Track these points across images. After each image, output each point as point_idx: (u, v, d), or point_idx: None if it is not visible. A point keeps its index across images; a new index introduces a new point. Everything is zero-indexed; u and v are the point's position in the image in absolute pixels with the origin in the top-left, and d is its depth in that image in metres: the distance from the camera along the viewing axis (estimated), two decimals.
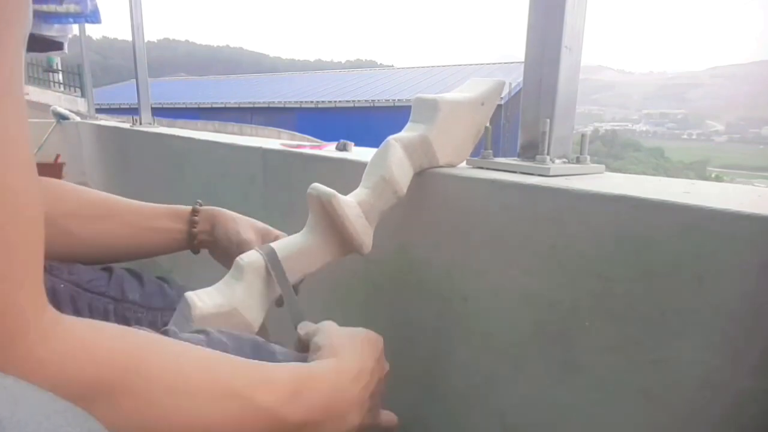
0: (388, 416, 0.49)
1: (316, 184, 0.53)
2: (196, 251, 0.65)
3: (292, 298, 0.51)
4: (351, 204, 0.53)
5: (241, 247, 0.60)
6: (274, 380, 0.36)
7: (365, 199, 0.55)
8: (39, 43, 1.95)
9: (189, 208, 0.64)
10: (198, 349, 0.34)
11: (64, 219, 0.56)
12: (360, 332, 0.47)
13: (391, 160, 0.56)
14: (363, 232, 0.54)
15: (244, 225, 0.63)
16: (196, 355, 0.34)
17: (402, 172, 0.57)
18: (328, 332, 0.46)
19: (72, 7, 1.79)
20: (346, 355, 0.43)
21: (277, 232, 0.66)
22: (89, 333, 0.28)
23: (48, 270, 0.51)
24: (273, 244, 0.53)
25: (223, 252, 0.63)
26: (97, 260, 0.59)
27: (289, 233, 0.57)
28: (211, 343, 0.40)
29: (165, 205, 0.65)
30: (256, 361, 0.38)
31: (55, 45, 2.01)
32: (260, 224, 0.66)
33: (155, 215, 0.63)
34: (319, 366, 0.41)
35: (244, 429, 0.33)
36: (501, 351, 0.55)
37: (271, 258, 0.51)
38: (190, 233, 0.63)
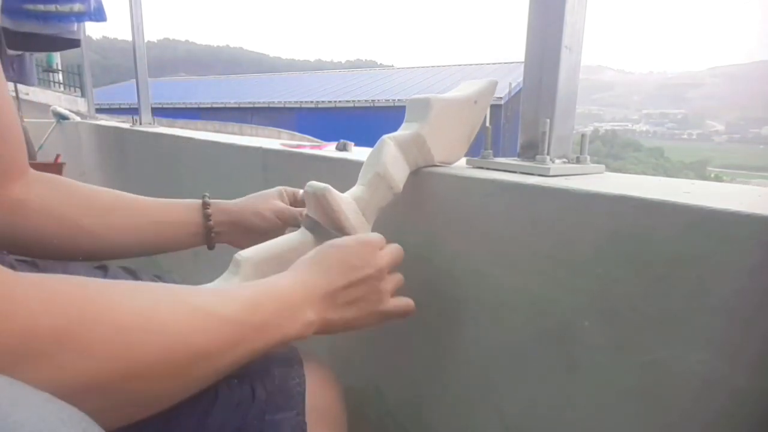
0: (400, 302, 0.51)
1: (312, 182, 0.53)
2: (212, 246, 0.65)
3: None
4: (346, 199, 0.53)
5: (268, 234, 0.62)
6: (234, 296, 0.38)
7: (361, 195, 0.55)
8: (55, 42, 1.95)
9: (198, 202, 0.64)
10: (149, 284, 0.37)
11: (74, 213, 0.55)
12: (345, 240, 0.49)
13: (385, 156, 0.56)
14: (359, 227, 0.54)
15: (265, 210, 0.65)
16: (151, 287, 0.35)
17: (397, 168, 0.57)
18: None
19: (77, 7, 1.79)
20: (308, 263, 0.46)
21: (292, 209, 0.67)
22: (47, 285, 0.27)
23: (42, 268, 0.51)
24: (272, 241, 0.53)
25: (243, 240, 0.65)
26: (109, 255, 0.58)
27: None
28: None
29: (174, 200, 0.64)
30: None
31: (72, 43, 2.02)
32: (276, 206, 0.66)
33: (168, 209, 0.63)
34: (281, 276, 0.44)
35: (213, 340, 0.35)
36: (501, 351, 0.55)
37: None
38: (207, 228, 0.63)
